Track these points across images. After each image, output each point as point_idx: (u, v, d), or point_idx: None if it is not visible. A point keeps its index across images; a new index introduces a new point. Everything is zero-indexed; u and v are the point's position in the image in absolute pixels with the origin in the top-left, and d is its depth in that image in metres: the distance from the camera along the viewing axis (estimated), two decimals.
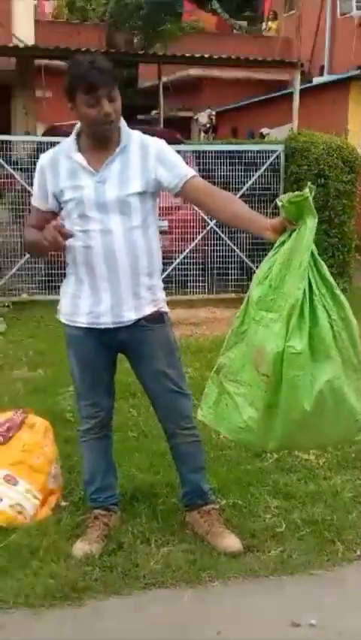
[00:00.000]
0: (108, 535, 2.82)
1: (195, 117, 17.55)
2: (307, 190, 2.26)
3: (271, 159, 7.42)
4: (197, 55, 9.48)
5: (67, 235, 2.52)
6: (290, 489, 3.25)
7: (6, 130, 11.93)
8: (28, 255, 7.01)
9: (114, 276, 2.62)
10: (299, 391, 2.25)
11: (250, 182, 7.40)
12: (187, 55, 9.72)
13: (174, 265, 7.20)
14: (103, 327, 2.67)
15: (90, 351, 2.73)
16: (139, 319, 2.67)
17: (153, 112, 16.45)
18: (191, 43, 16.39)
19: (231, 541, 2.78)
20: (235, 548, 2.75)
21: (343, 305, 2.33)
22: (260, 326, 2.31)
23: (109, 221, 2.58)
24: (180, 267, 7.29)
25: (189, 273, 7.32)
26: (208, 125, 16.74)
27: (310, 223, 2.28)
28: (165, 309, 2.77)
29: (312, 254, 2.30)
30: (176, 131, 9.46)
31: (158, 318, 2.72)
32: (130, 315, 2.66)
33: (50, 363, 5.13)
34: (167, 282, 6.83)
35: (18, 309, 6.67)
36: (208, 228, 7.31)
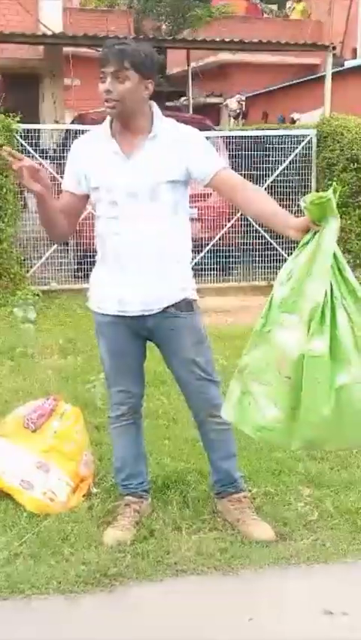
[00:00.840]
0: (139, 521, 2.82)
1: (225, 103, 17.43)
2: (330, 191, 2.22)
3: (303, 144, 7.33)
4: (226, 40, 9.38)
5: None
6: (322, 477, 3.22)
7: (34, 118, 11.99)
8: (56, 244, 7.05)
9: (143, 263, 2.62)
10: (319, 395, 2.23)
11: (281, 168, 7.33)
12: (217, 39, 9.61)
13: (203, 252, 7.16)
14: (132, 314, 2.67)
15: (119, 339, 2.74)
16: (168, 307, 2.67)
17: (182, 99, 16.37)
18: (220, 28, 16.25)
19: (263, 529, 2.76)
20: (266, 536, 2.74)
21: None
22: (282, 328, 2.28)
23: (139, 209, 2.58)
24: (210, 254, 7.25)
25: (219, 260, 7.28)
26: (238, 111, 16.60)
27: (334, 224, 2.24)
28: (195, 296, 2.75)
29: (335, 255, 2.26)
30: (205, 117, 9.40)
31: (187, 305, 2.71)
32: (159, 303, 2.66)
33: (79, 351, 5.15)
34: (197, 269, 6.82)
35: (48, 298, 6.71)
36: (238, 215, 7.26)
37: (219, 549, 2.69)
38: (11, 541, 2.72)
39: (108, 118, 2.65)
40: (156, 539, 2.75)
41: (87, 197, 2.71)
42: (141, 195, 2.57)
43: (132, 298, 2.65)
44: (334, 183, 2.32)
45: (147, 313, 2.66)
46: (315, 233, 2.28)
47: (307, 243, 2.29)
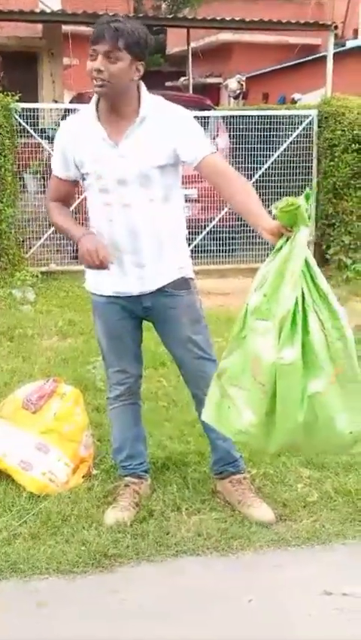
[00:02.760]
0: (139, 502, 2.82)
1: (225, 83, 17.28)
2: (300, 199, 2.22)
3: (304, 124, 7.26)
4: (227, 19, 9.25)
5: (108, 260, 2.51)
6: (322, 459, 3.20)
7: (33, 98, 11.86)
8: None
9: (138, 248, 2.61)
10: (291, 402, 2.24)
11: (282, 148, 7.26)
12: (217, 18, 9.48)
13: (203, 234, 7.12)
14: (128, 294, 2.67)
15: (115, 319, 2.74)
16: (165, 285, 2.67)
17: (182, 79, 16.22)
18: (220, 8, 16.05)
19: (263, 511, 2.77)
20: (267, 518, 2.74)
21: (337, 315, 2.28)
22: (256, 335, 2.29)
23: (130, 195, 2.56)
24: (210, 235, 7.20)
25: (219, 242, 7.23)
26: (238, 91, 16.46)
27: (304, 232, 2.24)
28: (191, 275, 2.75)
29: (307, 262, 2.26)
30: (205, 97, 9.30)
31: (183, 284, 2.71)
32: (155, 283, 2.65)
33: (79, 333, 5.14)
34: (197, 251, 6.79)
35: (47, 279, 6.68)
36: None
37: (219, 530, 2.69)
38: (11, 521, 2.72)
39: (94, 99, 2.59)
40: (155, 520, 2.75)
41: (77, 182, 2.70)
42: (131, 182, 2.55)
43: (128, 280, 2.65)
44: (307, 189, 2.30)
45: (143, 293, 2.66)
46: (287, 239, 2.27)
47: (280, 248, 2.29)
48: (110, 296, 2.70)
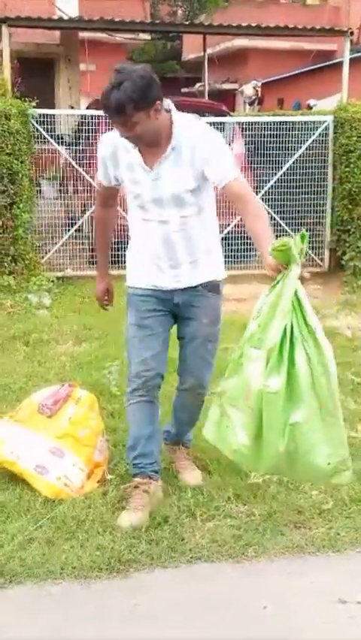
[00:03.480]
0: (150, 502, 2.83)
1: (240, 89, 17.31)
2: (293, 239, 2.34)
3: (320, 130, 7.24)
4: (243, 25, 9.23)
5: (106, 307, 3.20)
6: None
7: (50, 104, 11.95)
8: (72, 230, 7.04)
9: (174, 256, 2.81)
10: (274, 430, 2.36)
11: (297, 154, 7.26)
12: (233, 24, 9.48)
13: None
14: (163, 289, 2.85)
15: (149, 309, 2.88)
16: (197, 285, 2.85)
17: (198, 85, 16.26)
18: (236, 14, 16.09)
19: (192, 476, 3.06)
20: (193, 482, 3.02)
21: (323, 351, 2.37)
22: (249, 361, 2.43)
23: (165, 213, 2.74)
24: (224, 241, 7.17)
25: (234, 247, 7.23)
26: (254, 97, 16.48)
27: (295, 269, 2.36)
28: (220, 279, 2.95)
29: (298, 298, 2.37)
30: (221, 103, 9.31)
31: (213, 286, 2.90)
32: (188, 281, 2.84)
33: (94, 338, 5.15)
34: None
35: (62, 284, 6.71)
36: None
37: (234, 536, 2.69)
38: (26, 526, 2.73)
39: None
40: (170, 526, 2.75)
41: (119, 185, 2.89)
42: (166, 202, 2.73)
43: (165, 276, 2.84)
44: (303, 230, 2.42)
45: (177, 288, 2.84)
46: (284, 275, 2.39)
47: (278, 282, 2.42)
48: (147, 289, 2.87)
